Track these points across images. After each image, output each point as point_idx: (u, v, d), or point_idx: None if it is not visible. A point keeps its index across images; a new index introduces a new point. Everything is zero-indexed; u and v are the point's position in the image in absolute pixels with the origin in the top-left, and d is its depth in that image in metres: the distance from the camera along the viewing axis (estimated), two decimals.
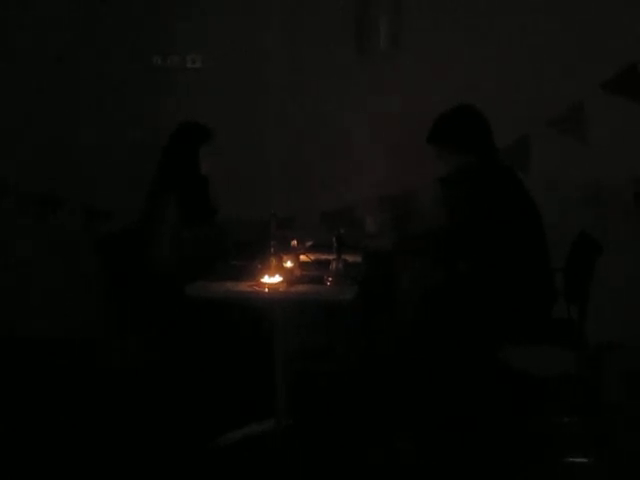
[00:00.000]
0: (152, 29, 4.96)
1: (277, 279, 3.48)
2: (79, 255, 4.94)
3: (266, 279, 3.48)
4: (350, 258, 3.76)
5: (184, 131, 4.15)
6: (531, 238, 3.80)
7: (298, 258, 3.81)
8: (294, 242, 3.95)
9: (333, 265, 3.58)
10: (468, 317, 3.76)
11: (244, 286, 3.50)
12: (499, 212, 3.74)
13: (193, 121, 4.20)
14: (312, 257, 3.97)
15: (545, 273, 3.82)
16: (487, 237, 3.74)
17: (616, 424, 3.88)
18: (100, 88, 5.01)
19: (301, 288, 3.52)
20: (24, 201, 5.08)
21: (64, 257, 5.10)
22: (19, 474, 3.58)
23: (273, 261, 3.54)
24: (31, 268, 5.14)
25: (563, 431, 3.74)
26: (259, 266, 3.59)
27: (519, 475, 3.51)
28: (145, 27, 4.95)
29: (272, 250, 3.55)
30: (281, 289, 3.47)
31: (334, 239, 3.63)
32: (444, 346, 3.80)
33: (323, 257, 3.85)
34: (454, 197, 4.00)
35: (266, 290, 3.46)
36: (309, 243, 4.13)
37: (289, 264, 3.69)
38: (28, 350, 4.96)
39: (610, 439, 3.74)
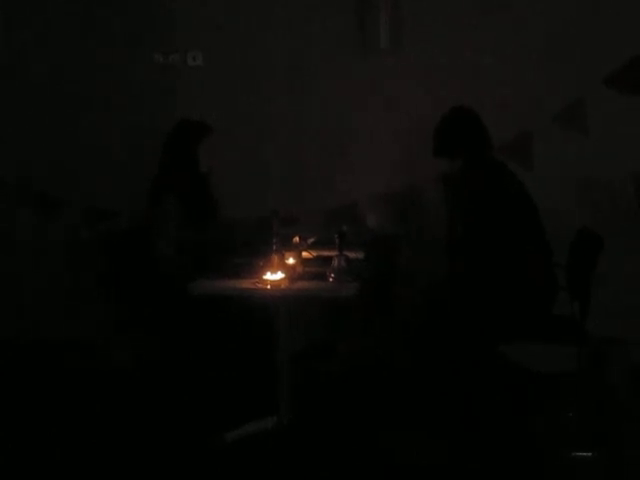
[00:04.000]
0: (153, 26, 4.95)
1: (279, 276, 3.49)
2: (80, 255, 4.93)
3: (268, 276, 3.49)
4: (352, 255, 3.76)
5: (183, 128, 4.15)
6: (530, 234, 3.81)
7: (300, 255, 3.82)
8: (296, 239, 3.95)
9: (335, 262, 3.58)
10: (470, 313, 3.76)
11: (247, 283, 3.50)
12: (498, 209, 3.76)
13: (191, 118, 4.20)
14: (314, 254, 3.97)
15: (546, 268, 3.82)
16: (488, 235, 3.75)
17: (620, 419, 3.88)
18: (101, 86, 4.99)
19: (303, 285, 3.52)
20: (24, 201, 5.07)
21: (65, 257, 5.08)
22: (20, 475, 3.56)
23: (275, 258, 3.53)
24: (31, 268, 5.12)
25: (568, 426, 3.74)
26: (261, 263, 3.59)
27: (524, 470, 3.50)
28: (146, 24, 4.94)
29: (274, 247, 3.55)
30: (283, 286, 3.47)
31: (336, 236, 3.62)
32: (446, 343, 3.80)
33: (325, 254, 3.85)
34: (455, 196, 4.04)
35: (268, 287, 3.46)
36: (311, 240, 4.13)
37: (291, 261, 3.70)
38: (29, 351, 4.94)
39: (614, 434, 3.74)
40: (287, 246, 3.77)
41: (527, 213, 3.85)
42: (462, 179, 3.99)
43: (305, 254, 3.92)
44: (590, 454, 3.52)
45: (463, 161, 3.98)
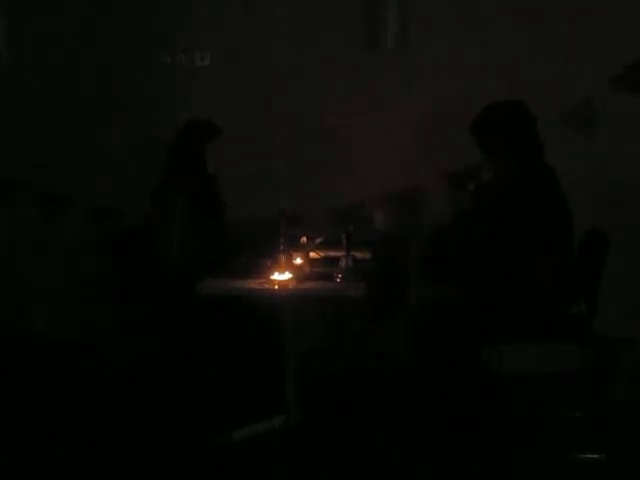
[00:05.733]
0: (160, 26, 4.95)
1: (287, 276, 3.50)
2: (84, 254, 4.94)
3: (276, 276, 3.49)
4: (359, 255, 3.76)
5: (191, 129, 4.15)
6: (562, 241, 3.70)
7: (308, 255, 3.82)
8: (303, 239, 3.96)
9: (343, 262, 3.59)
10: (478, 314, 3.75)
11: (254, 283, 3.51)
12: (543, 219, 3.61)
13: (200, 118, 4.20)
14: (322, 254, 3.98)
15: (567, 271, 3.75)
16: (519, 239, 3.65)
17: (626, 419, 3.88)
18: (109, 86, 4.99)
19: (311, 285, 3.53)
20: (28, 199, 5.07)
21: (69, 256, 5.08)
22: (20, 474, 3.56)
23: (282, 258, 3.54)
24: (36, 266, 5.13)
25: (574, 427, 3.74)
26: (269, 263, 3.60)
27: (531, 471, 3.50)
28: (153, 24, 4.94)
29: (281, 247, 3.55)
30: (291, 286, 3.48)
31: (343, 236, 3.63)
32: (453, 343, 3.79)
33: (332, 254, 3.86)
34: (490, 199, 3.85)
35: (276, 287, 3.47)
36: (318, 240, 4.14)
37: (299, 261, 3.70)
38: (29, 351, 4.95)
39: (621, 435, 3.74)
40: (294, 246, 3.78)
41: (565, 221, 3.74)
42: (512, 183, 3.68)
43: (312, 254, 3.93)
44: (598, 455, 3.52)
45: (513, 162, 3.72)
